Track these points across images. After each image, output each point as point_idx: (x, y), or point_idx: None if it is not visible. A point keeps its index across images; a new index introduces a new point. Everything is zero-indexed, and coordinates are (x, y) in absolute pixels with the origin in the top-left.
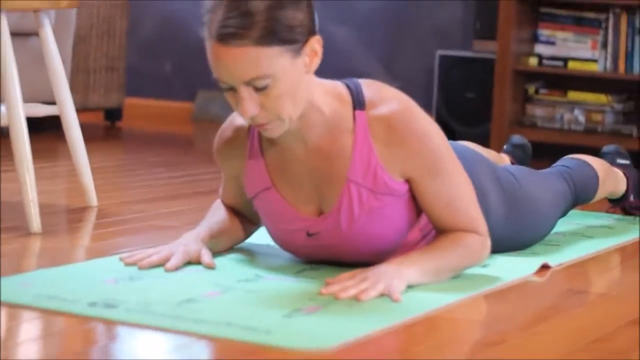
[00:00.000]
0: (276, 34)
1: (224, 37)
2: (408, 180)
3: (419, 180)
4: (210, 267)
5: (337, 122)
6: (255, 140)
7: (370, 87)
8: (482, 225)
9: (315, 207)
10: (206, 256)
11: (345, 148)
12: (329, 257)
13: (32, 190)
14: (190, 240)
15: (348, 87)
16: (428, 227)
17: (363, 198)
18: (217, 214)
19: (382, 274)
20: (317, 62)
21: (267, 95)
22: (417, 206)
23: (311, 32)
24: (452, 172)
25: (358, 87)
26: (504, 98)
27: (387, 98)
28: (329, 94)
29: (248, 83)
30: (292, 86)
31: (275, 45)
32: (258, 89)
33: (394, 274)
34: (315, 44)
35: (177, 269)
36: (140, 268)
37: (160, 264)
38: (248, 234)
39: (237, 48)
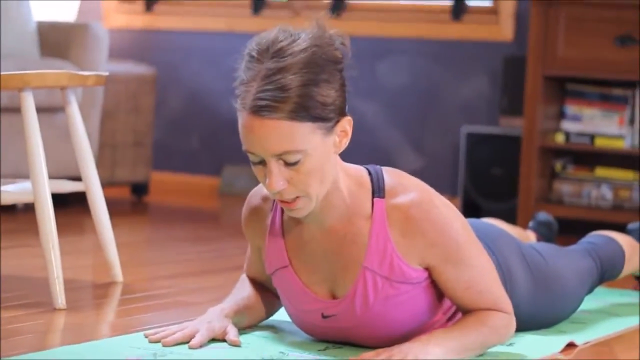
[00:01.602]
0: (310, 110)
1: (259, 109)
2: (428, 268)
3: (439, 268)
4: (236, 345)
5: (356, 207)
6: (277, 216)
7: (391, 175)
8: (506, 304)
9: (329, 289)
10: (232, 333)
11: (361, 234)
12: (345, 339)
13: (57, 266)
14: (215, 317)
15: (369, 173)
16: (452, 310)
17: (378, 286)
18: (243, 289)
19: (408, 351)
20: (346, 142)
21: (297, 171)
22: (439, 290)
23: (342, 112)
24: (473, 256)
25: (379, 173)
26: (530, 174)
27: (407, 187)
28: (351, 178)
29: (279, 157)
30: (321, 164)
31: (308, 121)
32: (288, 164)
33: (419, 352)
34: (346, 124)
35: (201, 346)
36: (165, 345)
37: (185, 342)
38: (273, 309)
39: (270, 120)
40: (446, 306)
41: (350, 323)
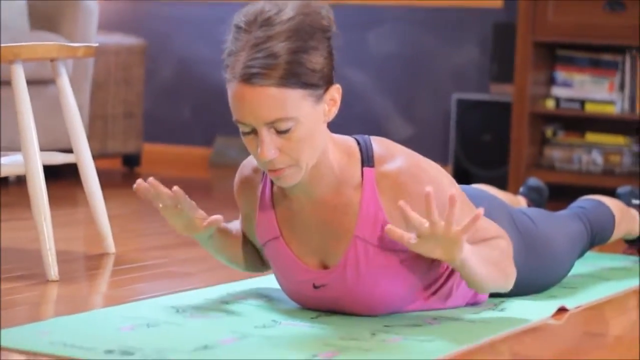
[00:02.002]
0: (300, 76)
1: (249, 77)
2: None
3: None
4: (216, 222)
5: (345, 177)
6: (267, 187)
7: (379, 144)
8: (505, 234)
9: (320, 259)
10: (211, 218)
11: (352, 204)
12: (337, 308)
13: (50, 238)
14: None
15: (358, 143)
16: (438, 283)
17: (370, 254)
18: (235, 226)
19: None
20: (335, 111)
21: (288, 139)
22: (427, 260)
23: (331, 80)
24: (464, 207)
25: (368, 143)
26: (521, 141)
27: (394, 155)
28: (339, 149)
29: (270, 124)
30: (311, 132)
31: (298, 87)
32: (279, 132)
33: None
34: (335, 92)
35: (184, 199)
36: (148, 189)
37: (169, 195)
38: (250, 258)
39: (261, 87)
40: (432, 278)
41: (342, 292)
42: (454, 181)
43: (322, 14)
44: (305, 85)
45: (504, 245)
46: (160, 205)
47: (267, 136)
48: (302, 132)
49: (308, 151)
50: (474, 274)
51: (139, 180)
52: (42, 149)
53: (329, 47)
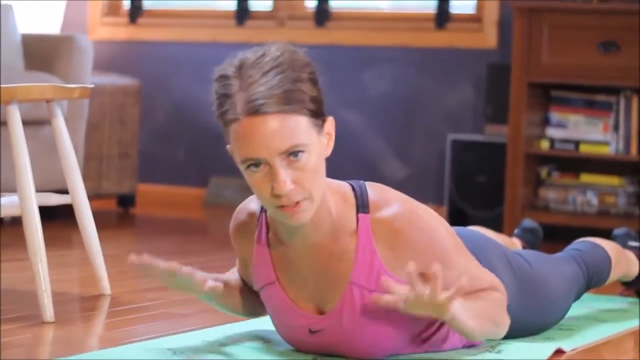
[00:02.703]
0: (304, 103)
1: (257, 108)
2: (421, 275)
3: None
4: (216, 290)
5: (341, 222)
6: (262, 233)
7: (374, 190)
8: (500, 285)
9: (316, 305)
10: (211, 282)
11: (347, 250)
12: (333, 353)
13: (45, 280)
14: (198, 272)
15: (353, 188)
16: (432, 328)
17: (366, 300)
18: (233, 275)
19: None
20: (332, 145)
21: (302, 169)
22: None
23: (324, 113)
24: (461, 256)
25: (363, 188)
26: (516, 181)
27: (389, 200)
28: (335, 193)
29: (284, 154)
30: (318, 164)
31: (304, 115)
32: (292, 163)
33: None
34: (330, 125)
35: (181, 272)
36: (145, 264)
37: (169, 268)
38: (252, 304)
39: (271, 115)
40: (429, 322)
41: (338, 338)
42: (450, 227)
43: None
44: (310, 112)
45: (497, 297)
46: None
47: (282, 168)
48: (313, 161)
49: (319, 183)
50: (463, 327)
51: (133, 256)
52: (37, 190)
53: (317, 81)
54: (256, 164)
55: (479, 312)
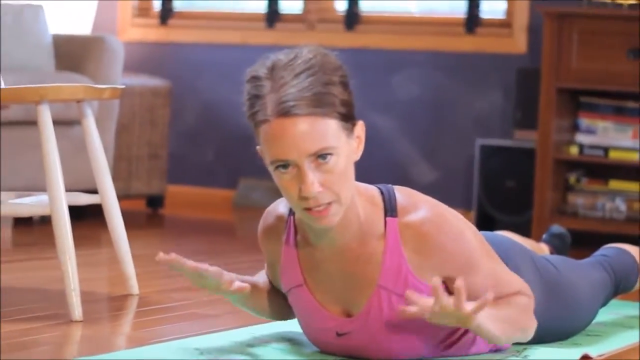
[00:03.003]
0: (334, 106)
1: (288, 110)
2: (446, 280)
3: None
4: (244, 291)
5: (369, 226)
6: (291, 236)
7: (402, 194)
8: (528, 289)
9: (344, 308)
10: (238, 283)
11: (375, 253)
12: (359, 355)
13: (74, 278)
14: (225, 272)
15: (381, 192)
16: (458, 333)
17: (393, 303)
18: (261, 278)
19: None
20: (361, 149)
21: (330, 172)
22: None
23: (355, 117)
24: (489, 261)
25: (391, 192)
26: (544, 187)
27: (417, 205)
28: (364, 197)
29: (313, 156)
30: (347, 167)
31: (334, 118)
32: (321, 165)
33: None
34: (360, 129)
35: (207, 272)
36: (169, 264)
37: (194, 269)
38: (279, 308)
39: (301, 117)
40: (455, 326)
41: (365, 341)
42: (477, 231)
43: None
44: (340, 115)
45: (524, 302)
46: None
47: (310, 170)
48: (341, 164)
49: (347, 186)
50: (488, 334)
51: (161, 254)
52: (66, 189)
53: (349, 84)
54: (285, 165)
55: (504, 318)
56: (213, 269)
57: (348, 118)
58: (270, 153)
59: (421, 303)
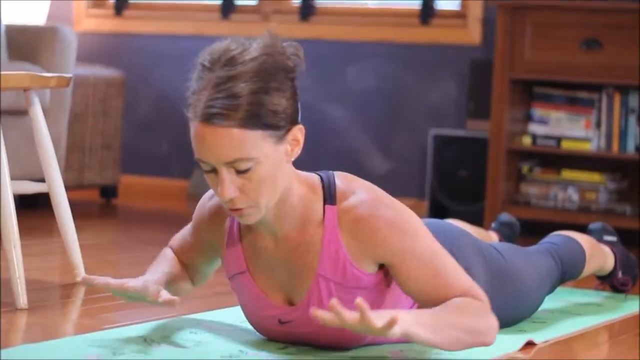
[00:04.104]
0: (260, 118)
1: (210, 117)
2: (387, 267)
3: (397, 262)
4: (173, 303)
5: (308, 214)
6: (235, 222)
7: (342, 180)
8: (479, 292)
9: (286, 296)
10: (165, 294)
11: (314, 241)
12: (304, 342)
13: (19, 266)
14: (149, 282)
15: (321, 179)
16: None
17: (332, 292)
18: (170, 262)
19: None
20: (297, 151)
21: (249, 179)
22: (394, 296)
23: (294, 121)
24: (430, 245)
25: (331, 179)
26: (497, 177)
27: (356, 190)
28: (304, 185)
29: (230, 165)
30: (272, 172)
31: (258, 129)
32: (239, 172)
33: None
34: (298, 133)
35: (134, 289)
36: (94, 284)
37: (119, 287)
38: (200, 283)
39: (221, 128)
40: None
41: (307, 328)
42: (415, 216)
43: (288, 54)
44: (266, 126)
45: (474, 304)
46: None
47: (227, 176)
48: (262, 172)
49: (268, 192)
50: (424, 342)
51: (85, 276)
52: (18, 179)
53: (293, 87)
54: (206, 164)
55: (443, 324)
56: (137, 284)
57: (278, 126)
58: (194, 150)
59: (341, 317)
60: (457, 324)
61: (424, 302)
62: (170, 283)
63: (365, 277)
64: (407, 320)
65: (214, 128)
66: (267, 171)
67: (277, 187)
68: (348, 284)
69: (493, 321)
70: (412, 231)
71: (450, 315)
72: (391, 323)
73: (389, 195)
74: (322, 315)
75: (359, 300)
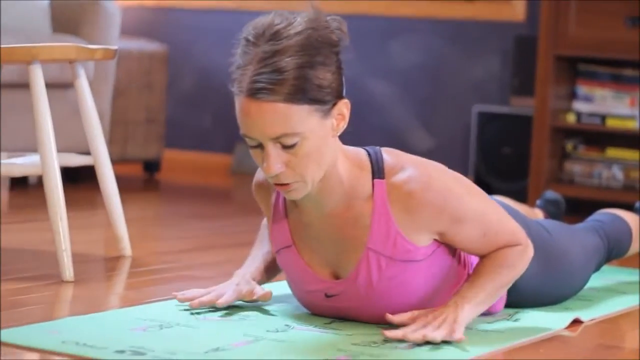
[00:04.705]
0: (306, 92)
1: (255, 92)
2: (439, 235)
3: (451, 231)
4: (266, 298)
5: (355, 189)
6: (280, 196)
7: (390, 155)
8: (521, 235)
9: (332, 270)
10: (259, 290)
11: (363, 216)
12: (348, 317)
13: (65, 239)
14: (242, 280)
15: (369, 154)
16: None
17: (382, 266)
18: (263, 244)
19: (442, 316)
20: (343, 125)
21: (294, 154)
22: (442, 262)
23: (340, 95)
24: (479, 206)
25: (379, 154)
26: (541, 154)
27: (404, 165)
28: (350, 161)
29: (276, 140)
30: (318, 147)
31: (304, 103)
32: (285, 147)
33: (453, 313)
34: (343, 107)
35: (228, 304)
36: (192, 307)
37: (211, 303)
38: None
39: (267, 103)
40: (448, 288)
41: (354, 303)
42: (462, 177)
43: (332, 28)
44: (312, 100)
45: (515, 253)
46: None
47: (273, 151)
48: (308, 147)
49: (314, 167)
50: (478, 313)
51: (179, 295)
52: (63, 152)
53: (338, 61)
54: (252, 139)
55: (493, 291)
56: (229, 297)
57: (324, 101)
58: (240, 125)
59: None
60: (502, 283)
61: (476, 254)
62: (269, 266)
63: (416, 250)
64: (468, 314)
65: (259, 103)
66: (313, 146)
67: (323, 162)
68: (398, 257)
69: (527, 255)
70: (462, 199)
71: (496, 279)
72: (458, 341)
73: (436, 165)
74: (394, 335)
75: (389, 316)
